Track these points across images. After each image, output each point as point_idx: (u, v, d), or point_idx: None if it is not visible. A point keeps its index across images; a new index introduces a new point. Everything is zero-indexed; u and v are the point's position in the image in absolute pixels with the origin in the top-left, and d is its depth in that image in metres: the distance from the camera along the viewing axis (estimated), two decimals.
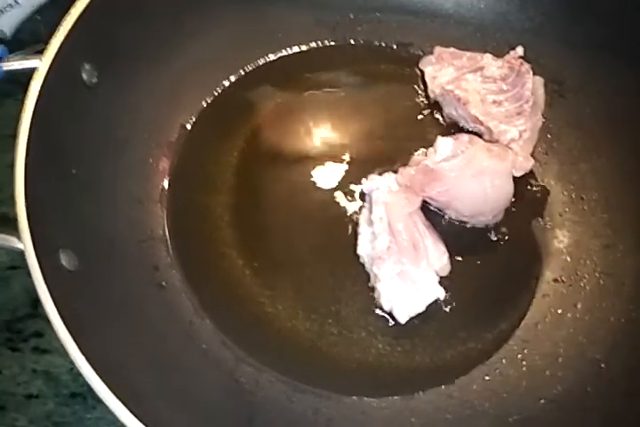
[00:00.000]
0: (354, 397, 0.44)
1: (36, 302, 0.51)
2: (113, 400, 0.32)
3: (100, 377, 0.32)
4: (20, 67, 0.40)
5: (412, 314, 0.45)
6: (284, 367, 0.44)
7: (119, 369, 0.34)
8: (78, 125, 0.42)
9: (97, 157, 0.44)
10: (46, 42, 0.60)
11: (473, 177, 0.45)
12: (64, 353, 0.47)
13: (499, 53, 0.53)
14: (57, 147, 0.40)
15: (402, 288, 0.44)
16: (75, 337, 0.32)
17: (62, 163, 0.41)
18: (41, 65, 0.38)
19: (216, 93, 0.54)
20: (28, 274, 0.52)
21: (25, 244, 0.33)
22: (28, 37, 0.61)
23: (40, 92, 0.38)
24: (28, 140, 0.36)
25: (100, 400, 0.46)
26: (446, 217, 0.50)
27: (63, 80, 0.40)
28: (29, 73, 0.40)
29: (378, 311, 0.47)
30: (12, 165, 0.58)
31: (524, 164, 0.49)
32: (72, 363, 0.47)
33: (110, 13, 0.44)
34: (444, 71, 0.53)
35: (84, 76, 0.42)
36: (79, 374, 0.46)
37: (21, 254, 0.50)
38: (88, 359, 0.32)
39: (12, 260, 0.52)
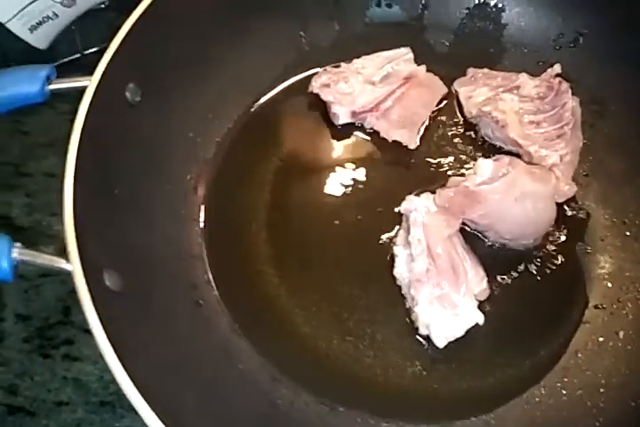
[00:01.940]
0: (389, 422, 0.43)
1: (67, 309, 0.52)
2: (154, 421, 0.32)
3: (144, 398, 0.32)
4: (68, 86, 0.40)
5: (451, 339, 0.44)
6: (319, 389, 0.44)
7: (160, 389, 0.34)
8: (121, 145, 0.43)
9: (137, 177, 0.45)
10: (81, 52, 0.61)
11: (516, 200, 0.45)
12: (94, 361, 0.49)
13: (538, 73, 0.53)
14: (102, 167, 0.40)
15: (440, 312, 0.44)
16: (120, 359, 0.32)
17: (106, 183, 0.41)
18: (89, 85, 0.38)
19: (252, 110, 0.55)
20: (61, 282, 0.54)
21: (73, 266, 0.33)
22: (64, 48, 0.61)
23: (87, 112, 0.38)
24: (77, 160, 0.36)
25: (129, 410, 0.48)
26: (485, 240, 0.49)
27: (109, 100, 0.41)
28: None
29: (414, 335, 0.46)
30: (47, 173, 0.60)
31: (567, 190, 0.48)
32: (102, 371, 0.49)
33: (154, 34, 0.44)
34: (478, 91, 0.53)
35: (128, 96, 0.43)
36: (109, 383, 0.48)
37: None
38: (133, 381, 0.32)
39: (45, 267, 0.53)
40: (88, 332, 0.50)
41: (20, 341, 0.50)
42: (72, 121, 0.58)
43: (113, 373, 0.32)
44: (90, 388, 0.49)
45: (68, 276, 0.52)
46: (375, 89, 0.52)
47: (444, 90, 0.55)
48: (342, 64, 0.54)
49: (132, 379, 0.31)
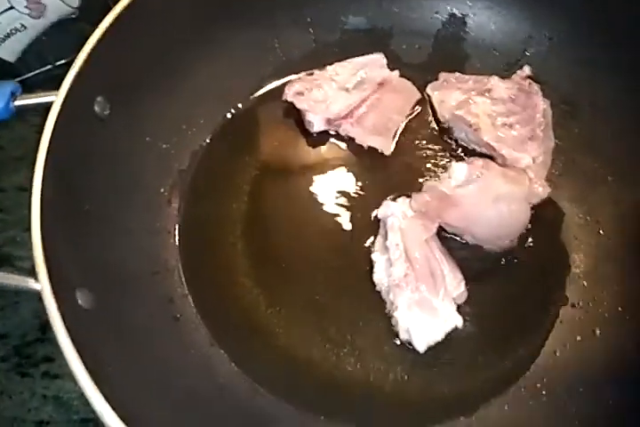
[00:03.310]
0: None
1: (44, 326, 0.51)
2: None
3: (121, 420, 0.31)
4: (33, 102, 0.39)
5: (431, 343, 0.45)
6: (300, 399, 0.44)
7: (137, 408, 0.34)
8: (91, 159, 0.42)
9: (109, 191, 0.44)
10: (52, 64, 0.60)
11: (491, 203, 0.45)
12: (74, 378, 0.49)
13: (509, 76, 0.53)
14: (70, 183, 0.40)
15: (420, 317, 0.44)
16: (94, 378, 0.32)
17: (76, 198, 0.40)
18: (55, 100, 0.38)
19: (227, 119, 0.54)
20: (38, 298, 0.53)
21: (43, 285, 0.33)
22: (34, 60, 0.61)
23: (55, 127, 0.37)
24: (44, 177, 0.36)
25: None
26: (462, 242, 0.49)
27: (77, 114, 0.40)
28: None
29: (395, 340, 0.46)
30: (20, 188, 0.59)
31: (541, 192, 0.48)
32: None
33: (121, 46, 0.43)
34: (450, 95, 0.53)
35: (97, 109, 0.43)
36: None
37: None
38: (109, 403, 0.31)
39: None
40: None
41: None
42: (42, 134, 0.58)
43: (87, 396, 0.31)
44: (71, 405, 0.48)
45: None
46: (349, 96, 0.53)
47: (418, 95, 0.55)
48: (315, 71, 0.54)
49: (107, 401, 0.31)
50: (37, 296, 0.52)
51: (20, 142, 0.60)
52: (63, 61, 0.61)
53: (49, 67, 0.62)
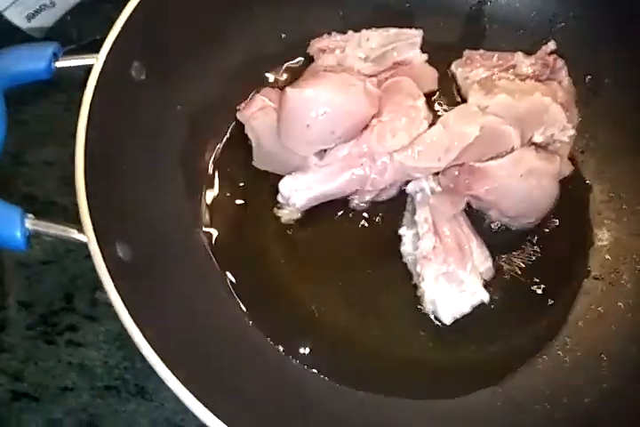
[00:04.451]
0: (395, 397, 0.44)
1: (69, 296, 0.52)
2: (175, 382, 0.33)
3: (163, 361, 0.32)
4: (74, 64, 0.40)
5: (457, 316, 0.45)
6: (326, 363, 0.44)
7: (176, 354, 0.34)
8: (127, 121, 0.43)
9: (143, 153, 0.45)
10: (77, 43, 0.61)
11: (521, 177, 0.45)
12: (98, 347, 0.49)
13: (533, 52, 0.53)
14: (110, 142, 0.41)
15: (447, 289, 0.44)
16: (137, 324, 0.33)
17: (113, 158, 0.41)
18: (96, 63, 0.39)
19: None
20: (62, 269, 0.54)
21: (88, 236, 0.34)
22: (59, 39, 0.61)
23: (95, 89, 0.38)
24: (86, 135, 0.37)
25: (134, 394, 0.48)
26: (487, 220, 0.49)
27: (115, 77, 0.41)
28: (66, 75, 0.41)
29: (420, 307, 0.47)
30: (46, 162, 0.60)
31: (564, 168, 0.48)
32: (106, 356, 0.49)
33: (157, 14, 0.44)
34: (474, 72, 0.53)
35: (133, 73, 0.43)
36: (114, 368, 0.48)
37: (54, 248, 0.52)
38: (151, 345, 0.32)
39: (46, 255, 0.53)
40: (91, 318, 0.51)
41: (24, 328, 0.50)
42: (68, 110, 0.58)
43: (130, 335, 0.32)
44: (95, 373, 0.49)
45: (69, 262, 0.53)
46: (363, 66, 0.51)
47: (433, 86, 0.54)
48: (350, 32, 0.53)
49: (149, 343, 0.31)
50: (61, 267, 0.54)
51: (44, 119, 0.60)
52: (87, 41, 0.63)
53: (73, 46, 0.63)
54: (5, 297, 0.52)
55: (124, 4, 0.43)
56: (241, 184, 0.51)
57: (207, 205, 0.50)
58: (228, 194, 0.51)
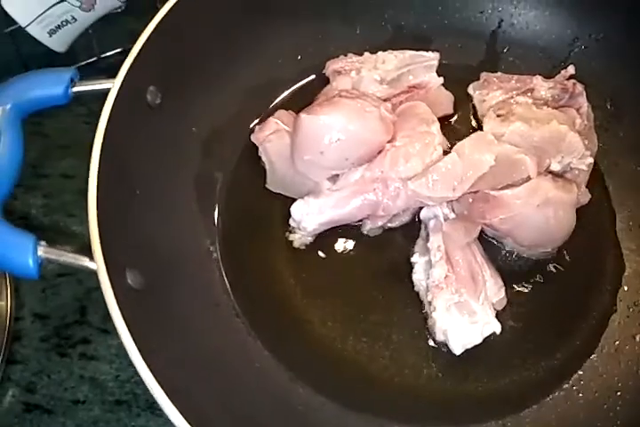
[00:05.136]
0: (404, 425, 0.43)
1: (83, 309, 0.52)
2: (177, 417, 0.33)
3: (166, 394, 0.32)
4: (90, 88, 0.41)
5: (468, 346, 0.44)
6: (333, 390, 0.44)
7: (180, 385, 0.35)
8: (141, 146, 0.43)
9: (156, 177, 0.45)
10: (98, 56, 0.62)
11: (538, 207, 0.44)
12: (110, 360, 0.50)
13: (552, 76, 0.53)
14: (123, 168, 0.41)
15: (458, 319, 0.44)
16: (143, 355, 0.33)
17: (127, 183, 0.42)
18: (112, 88, 0.39)
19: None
20: (78, 281, 0.55)
21: (98, 264, 0.34)
22: (82, 51, 0.62)
23: (110, 114, 0.39)
24: (100, 161, 0.37)
25: (145, 409, 0.48)
26: (502, 249, 0.49)
27: (130, 102, 0.41)
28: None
29: (430, 339, 0.46)
30: (64, 175, 0.61)
31: (581, 197, 0.48)
32: (118, 370, 0.49)
33: (174, 38, 0.45)
34: (492, 95, 0.52)
35: (149, 98, 0.44)
36: (125, 382, 0.49)
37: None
38: (155, 377, 0.32)
39: (61, 267, 0.54)
40: (104, 332, 0.52)
41: (38, 339, 0.51)
42: (88, 124, 0.59)
43: (136, 368, 0.33)
44: (106, 387, 0.49)
45: (85, 275, 0.53)
46: (379, 88, 0.50)
47: (448, 111, 0.53)
48: (366, 54, 0.53)
49: (154, 375, 0.32)
50: (77, 279, 0.55)
51: (65, 131, 0.62)
52: (109, 54, 0.63)
53: (94, 58, 0.64)
54: (21, 308, 0.52)
55: (145, 17, 0.44)
56: (253, 207, 0.51)
57: (220, 227, 0.50)
58: (241, 216, 0.51)
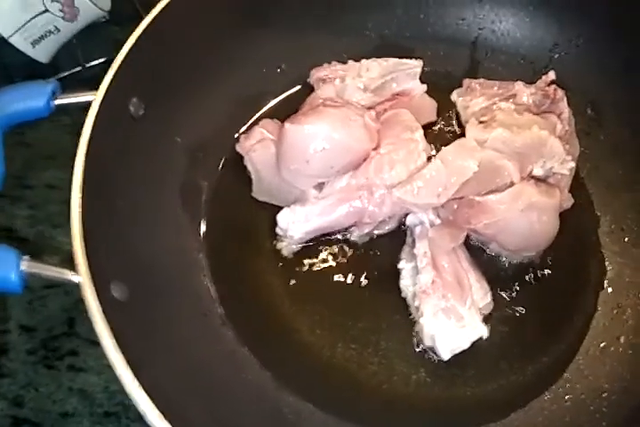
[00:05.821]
0: None
1: (71, 320, 0.52)
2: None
3: (155, 407, 0.32)
4: (72, 101, 0.41)
5: (456, 351, 0.44)
6: (323, 399, 0.44)
7: (168, 397, 0.34)
8: (125, 156, 0.43)
9: (140, 188, 0.45)
10: (83, 65, 0.62)
11: (522, 211, 0.45)
12: (99, 372, 0.50)
13: (533, 82, 0.53)
14: (107, 179, 0.41)
15: (446, 325, 0.44)
16: (131, 368, 0.33)
17: (110, 195, 0.41)
18: (94, 100, 0.39)
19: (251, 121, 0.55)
20: (65, 293, 0.54)
21: (83, 277, 0.34)
22: (66, 61, 0.62)
23: (93, 126, 0.39)
24: (83, 173, 0.37)
25: (134, 420, 0.48)
26: (486, 252, 0.49)
27: (113, 114, 0.41)
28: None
29: (418, 345, 0.46)
30: (49, 185, 0.61)
31: (564, 202, 0.48)
32: (107, 382, 0.49)
33: (156, 50, 0.45)
34: (475, 101, 0.53)
35: (132, 109, 0.44)
36: (114, 393, 0.49)
37: None
38: (144, 390, 0.32)
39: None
40: (93, 343, 0.52)
41: (25, 352, 0.51)
42: (72, 134, 0.59)
43: (122, 382, 0.32)
44: (95, 398, 0.49)
45: (72, 287, 0.52)
46: (363, 97, 0.51)
47: (431, 118, 0.54)
48: (350, 62, 0.53)
49: (142, 388, 0.32)
50: (64, 291, 0.54)
51: (49, 142, 0.61)
52: (93, 63, 0.63)
53: (79, 68, 0.63)
54: (7, 321, 0.52)
55: (129, 27, 0.44)
56: (240, 216, 0.51)
57: (206, 237, 0.50)
58: (227, 225, 0.51)
